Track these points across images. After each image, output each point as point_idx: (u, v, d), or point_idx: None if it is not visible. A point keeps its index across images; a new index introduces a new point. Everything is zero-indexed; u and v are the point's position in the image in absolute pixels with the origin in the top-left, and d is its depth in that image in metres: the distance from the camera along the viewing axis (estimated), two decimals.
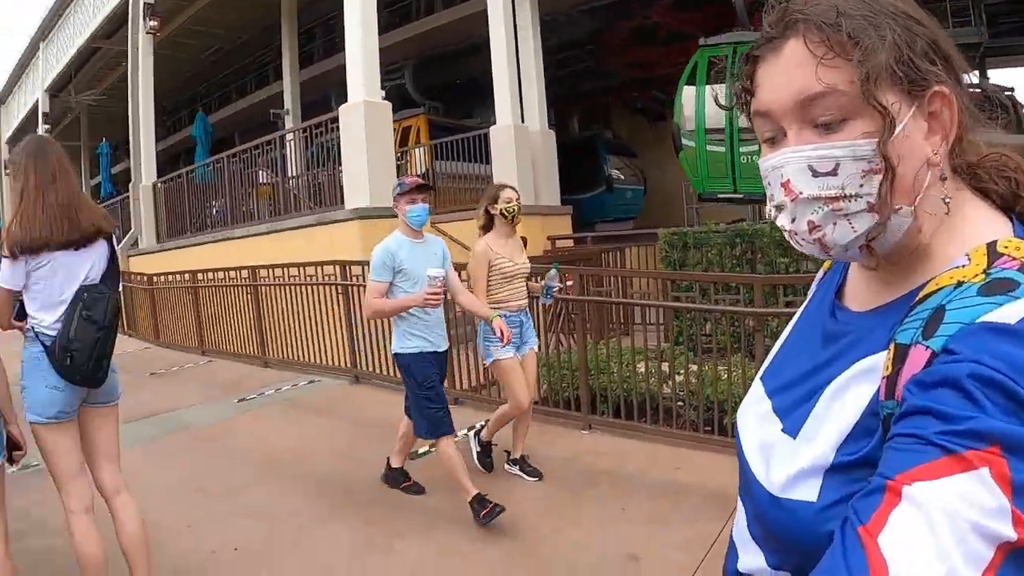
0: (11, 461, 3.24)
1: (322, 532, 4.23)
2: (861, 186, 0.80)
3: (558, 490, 4.64)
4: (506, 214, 4.68)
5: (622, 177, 15.75)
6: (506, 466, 4.93)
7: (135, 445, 5.82)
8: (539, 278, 5.13)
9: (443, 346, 4.48)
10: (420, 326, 4.35)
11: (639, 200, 15.40)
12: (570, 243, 12.86)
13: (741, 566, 0.94)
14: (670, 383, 5.65)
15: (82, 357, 3.13)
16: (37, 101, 23.90)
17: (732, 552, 0.97)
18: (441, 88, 18.16)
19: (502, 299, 4.66)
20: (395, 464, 4.84)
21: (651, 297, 8.19)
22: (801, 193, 0.83)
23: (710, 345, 5.89)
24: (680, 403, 5.63)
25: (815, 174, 0.81)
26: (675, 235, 8.18)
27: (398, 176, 9.58)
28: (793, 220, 0.85)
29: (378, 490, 4.73)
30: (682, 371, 5.70)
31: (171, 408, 7.16)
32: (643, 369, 5.77)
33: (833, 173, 0.81)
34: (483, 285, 4.65)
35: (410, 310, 4.30)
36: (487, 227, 4.76)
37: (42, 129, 22.36)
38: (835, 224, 0.82)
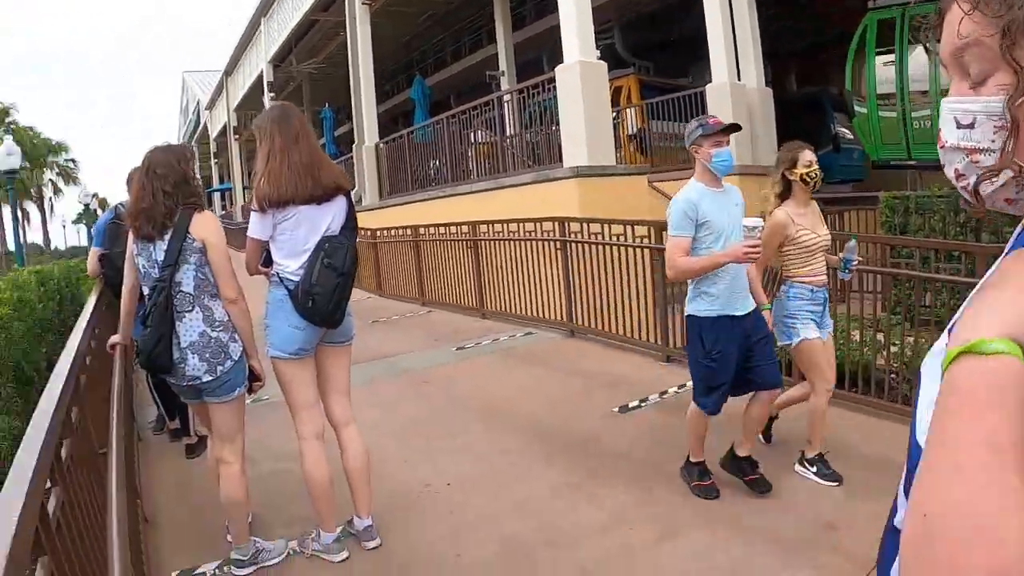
0: (250, 391, 3.58)
1: (531, 475, 4.35)
2: (993, 141, 0.81)
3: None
4: (807, 179, 4.12)
5: (849, 136, 14.67)
6: (798, 467, 4.27)
7: (359, 384, 6.21)
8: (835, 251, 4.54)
9: (745, 308, 3.95)
10: (720, 286, 3.86)
11: (864, 161, 14.30)
12: None
13: (897, 521, 0.92)
14: (884, 354, 5.30)
15: (323, 300, 3.40)
16: (261, 72, 25.54)
17: (893, 508, 0.95)
18: (651, 47, 17.77)
19: (804, 274, 4.15)
20: (741, 453, 4.17)
21: (869, 264, 7.63)
22: (947, 143, 0.85)
23: (928, 317, 5.54)
24: (894, 375, 5.24)
25: (958, 126, 0.83)
26: (896, 199, 7.71)
27: (615, 133, 9.50)
28: (945, 168, 0.88)
29: (591, 442, 4.70)
30: (897, 342, 5.36)
31: (394, 353, 7.64)
32: (857, 338, 5.45)
33: (971, 126, 0.82)
34: (766, 258, 4.16)
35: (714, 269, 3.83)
36: (784, 195, 4.21)
37: (267, 97, 24.06)
38: (977, 175, 0.83)
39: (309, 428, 3.58)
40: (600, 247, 7.24)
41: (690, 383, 4.20)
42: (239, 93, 31.07)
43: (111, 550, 2.04)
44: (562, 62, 10.28)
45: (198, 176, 3.78)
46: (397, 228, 12.07)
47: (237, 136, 32.23)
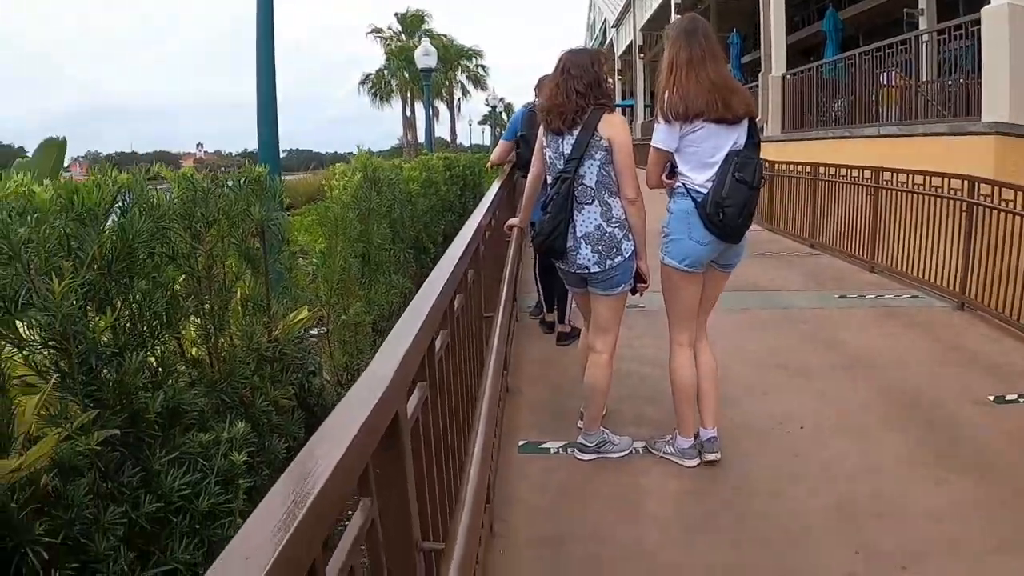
0: (634, 291, 3.69)
1: (883, 440, 3.99)
2: None
3: None
4: None
5: None
6: None
7: (734, 311, 6.27)
8: None
9: None
10: None
11: None
12: None
13: None
14: None
15: (733, 214, 3.39)
16: None
17: None
18: None
19: None
20: None
21: None
22: None
23: None
24: None
25: None
26: None
27: None
28: None
29: (954, 425, 4.17)
30: None
31: (774, 288, 7.45)
32: None
33: None
34: None
35: None
36: None
37: (673, 18, 23.80)
38: None
39: (685, 336, 3.69)
40: (1012, 217, 6.21)
41: None
42: (646, 13, 31.28)
43: (482, 397, 2.23)
44: (988, 3, 9.00)
45: (609, 80, 3.88)
46: (795, 164, 11.54)
47: (642, 55, 32.69)
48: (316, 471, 0.89)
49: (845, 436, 4.02)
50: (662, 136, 3.50)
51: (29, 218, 1.82)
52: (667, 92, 3.46)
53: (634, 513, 3.30)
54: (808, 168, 10.82)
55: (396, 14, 52.53)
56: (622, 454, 3.78)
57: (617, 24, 39.60)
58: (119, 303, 2.13)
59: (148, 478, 2.16)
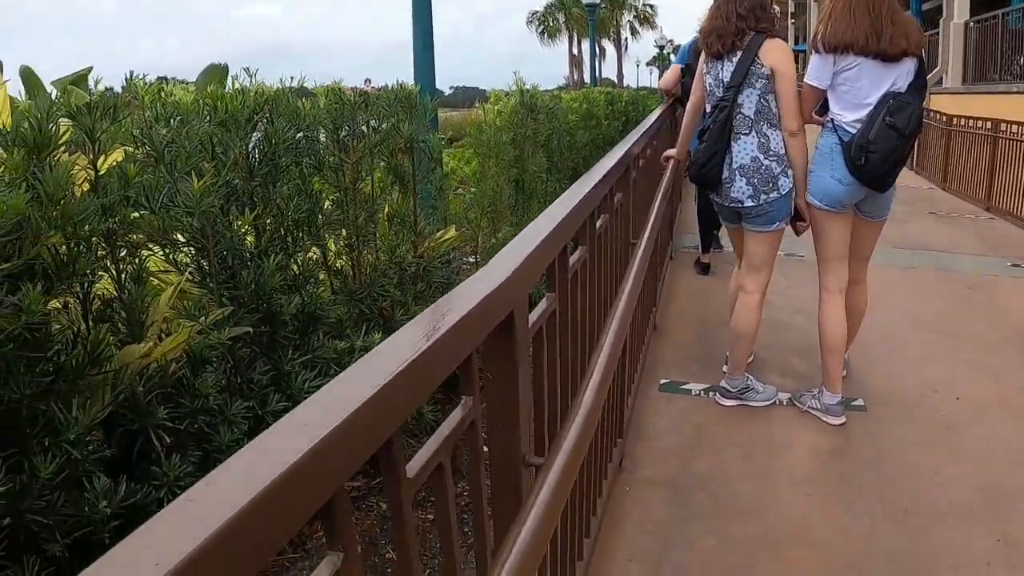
0: (795, 231, 3.46)
1: None
2: None
3: None
4: None
5: None
6: None
7: (895, 266, 5.82)
8: None
9: None
10: None
11: None
12: None
13: None
14: None
15: (876, 160, 3.11)
16: None
17: None
18: None
19: None
20: None
21: None
22: None
23: None
24: None
25: None
26: None
27: None
28: None
29: None
30: None
31: (939, 249, 6.84)
32: None
33: None
34: None
35: None
36: None
37: None
38: None
39: (834, 281, 3.42)
40: None
41: None
42: None
43: (611, 322, 2.13)
44: None
45: (775, 7, 3.59)
46: (975, 119, 10.44)
47: None
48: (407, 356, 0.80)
49: (1005, 415, 3.61)
50: (815, 71, 3.23)
51: (172, 121, 1.85)
52: (822, 23, 3.20)
53: (767, 466, 3.11)
54: (988, 124, 9.80)
55: None
56: (765, 403, 3.57)
57: None
58: (261, 207, 2.16)
59: (279, 378, 2.21)
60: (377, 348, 0.82)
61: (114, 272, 1.80)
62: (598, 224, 2.40)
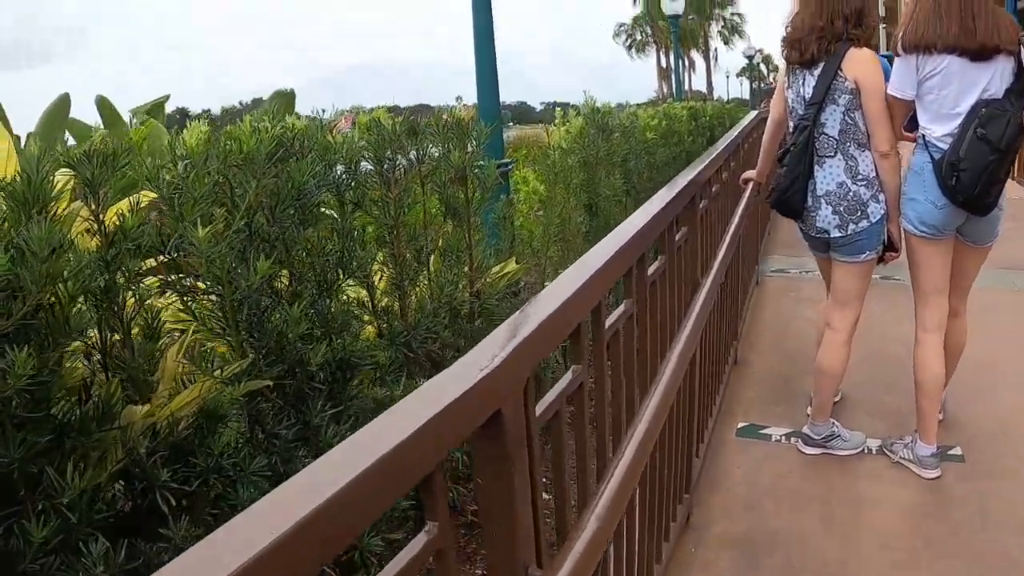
0: (882, 260, 3.16)
1: None
2: None
3: None
4: None
5: None
6: None
7: (997, 288, 5.34)
8: None
9: None
10: None
11: None
12: None
13: None
14: None
15: (969, 179, 2.72)
16: None
17: None
18: None
19: None
20: None
21: None
22: None
23: None
24: None
25: None
26: None
27: None
28: None
29: None
30: None
31: None
32: None
33: None
34: None
35: None
36: None
37: None
38: None
39: (932, 318, 3.07)
40: None
41: None
42: None
43: (667, 363, 1.92)
44: None
45: (877, 16, 3.26)
46: None
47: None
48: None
49: None
50: (897, 79, 2.90)
51: (180, 165, 1.74)
52: (903, 25, 2.88)
53: (851, 524, 2.81)
54: None
55: None
56: (851, 452, 3.25)
57: None
58: (283, 250, 2.03)
59: (307, 431, 2.07)
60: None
61: (119, 325, 1.69)
62: (677, 236, 2.24)
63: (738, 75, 72.03)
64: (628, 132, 5.92)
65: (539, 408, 1.17)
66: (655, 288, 2.03)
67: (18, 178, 1.49)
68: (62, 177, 1.60)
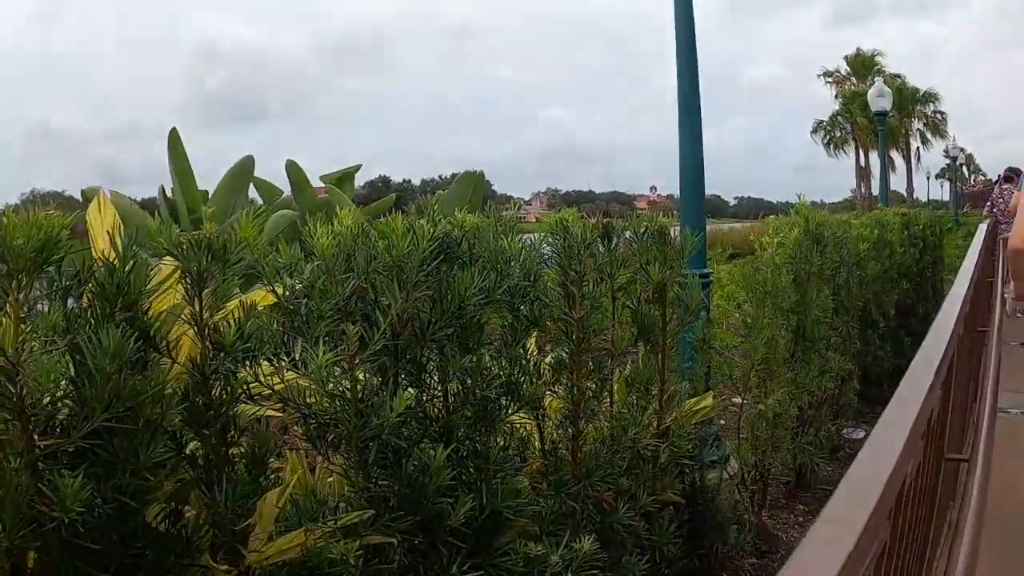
0: None
1: None
2: None
3: None
4: None
5: None
6: None
7: None
8: None
9: None
10: None
11: None
12: None
13: None
14: None
15: None
16: None
17: None
18: None
19: None
20: None
21: None
22: None
23: None
24: None
25: None
26: None
27: None
28: None
29: None
30: None
31: None
32: None
33: None
34: None
35: None
36: None
37: None
38: None
39: None
40: None
41: None
42: None
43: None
44: None
45: None
46: None
47: None
48: None
49: None
50: None
51: (307, 271, 1.40)
52: None
53: None
54: None
55: (845, 56, 49.59)
56: None
57: None
58: (433, 380, 1.64)
59: None
60: None
61: (214, 452, 1.35)
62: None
63: (937, 176, 67.31)
64: (840, 243, 5.24)
65: None
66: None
67: (105, 264, 1.19)
68: (166, 267, 1.29)
